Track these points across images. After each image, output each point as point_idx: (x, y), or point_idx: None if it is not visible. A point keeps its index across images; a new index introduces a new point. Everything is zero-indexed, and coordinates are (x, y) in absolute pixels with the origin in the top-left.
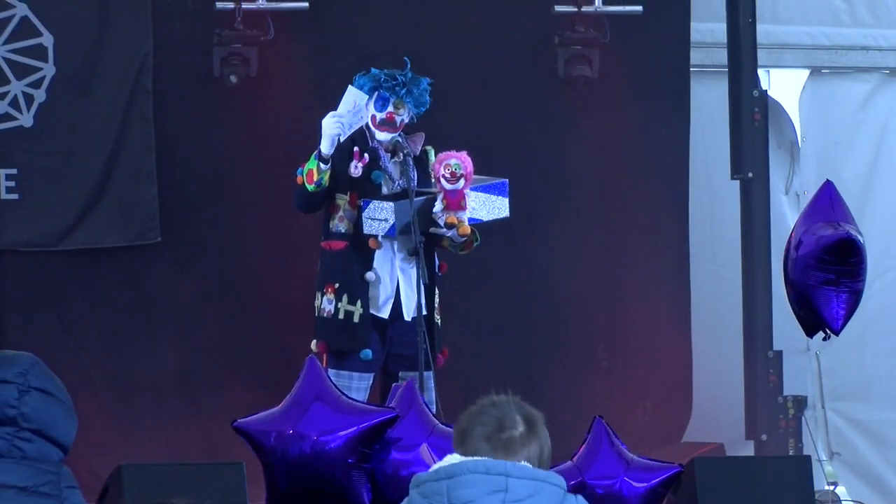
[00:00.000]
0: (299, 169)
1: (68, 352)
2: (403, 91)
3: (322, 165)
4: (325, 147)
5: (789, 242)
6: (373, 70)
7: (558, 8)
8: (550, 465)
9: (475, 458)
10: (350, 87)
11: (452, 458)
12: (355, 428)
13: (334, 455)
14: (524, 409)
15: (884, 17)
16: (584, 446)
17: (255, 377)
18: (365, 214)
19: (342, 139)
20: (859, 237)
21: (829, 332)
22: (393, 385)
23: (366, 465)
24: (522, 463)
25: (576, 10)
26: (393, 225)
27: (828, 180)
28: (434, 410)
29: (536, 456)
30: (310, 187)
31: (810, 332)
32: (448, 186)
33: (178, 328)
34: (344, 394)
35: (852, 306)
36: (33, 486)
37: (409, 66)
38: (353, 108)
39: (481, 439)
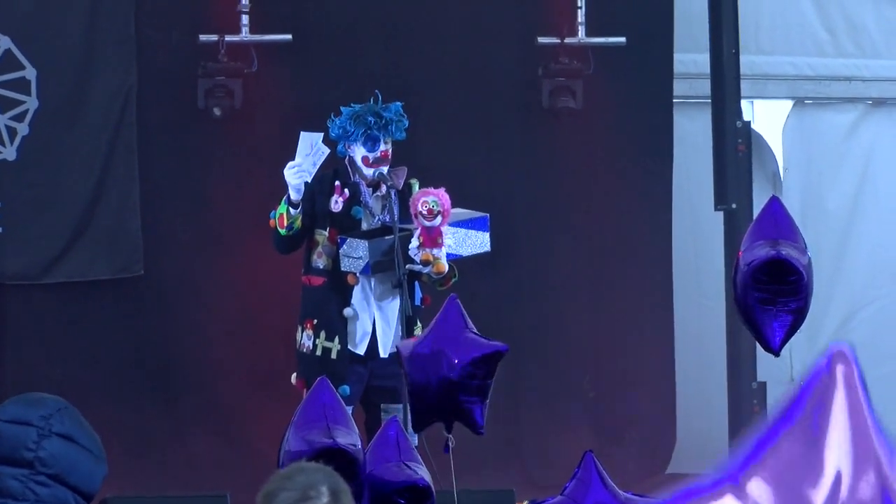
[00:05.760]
0: (272, 212)
1: (53, 384)
2: (392, 127)
3: (292, 210)
4: (293, 195)
5: (737, 260)
6: (352, 108)
7: (542, 39)
8: (539, 500)
9: None
10: (302, 133)
11: None
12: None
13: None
14: (333, 479)
15: (867, 48)
16: (573, 481)
17: (241, 411)
18: (341, 251)
19: (309, 182)
20: (795, 256)
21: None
22: (387, 418)
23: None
24: None
25: (559, 41)
26: (367, 264)
27: (773, 196)
28: (416, 443)
29: None
30: (282, 231)
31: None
32: (425, 223)
33: (162, 362)
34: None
35: (793, 325)
36: None
37: (381, 98)
38: (311, 151)
39: None
